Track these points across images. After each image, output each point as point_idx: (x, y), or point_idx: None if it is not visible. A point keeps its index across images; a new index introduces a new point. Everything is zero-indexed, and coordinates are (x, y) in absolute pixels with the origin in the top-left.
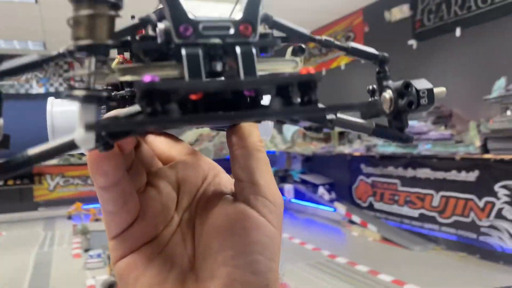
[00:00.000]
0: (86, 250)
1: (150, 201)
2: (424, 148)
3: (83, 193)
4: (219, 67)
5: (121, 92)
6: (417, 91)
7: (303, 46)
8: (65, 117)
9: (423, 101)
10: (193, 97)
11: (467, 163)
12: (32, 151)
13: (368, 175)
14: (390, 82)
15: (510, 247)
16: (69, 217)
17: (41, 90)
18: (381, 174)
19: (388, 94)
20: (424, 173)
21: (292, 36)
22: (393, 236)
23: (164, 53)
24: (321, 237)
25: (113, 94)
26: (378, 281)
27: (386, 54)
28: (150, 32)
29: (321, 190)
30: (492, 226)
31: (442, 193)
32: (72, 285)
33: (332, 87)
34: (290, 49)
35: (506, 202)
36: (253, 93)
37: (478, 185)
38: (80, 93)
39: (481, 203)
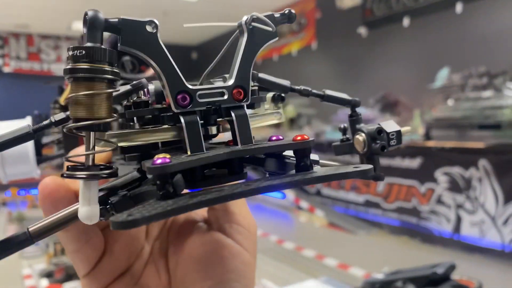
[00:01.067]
0: None
1: (116, 234)
2: None
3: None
4: (214, 130)
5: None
6: (387, 134)
7: (283, 95)
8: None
9: (393, 142)
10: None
11: (411, 150)
12: (33, 227)
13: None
14: (362, 125)
15: (446, 231)
16: (4, 204)
17: None
18: (329, 160)
19: (361, 136)
20: None
21: (274, 89)
22: (339, 221)
23: (156, 116)
24: (269, 223)
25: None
26: (324, 265)
27: (357, 99)
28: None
29: None
30: (432, 211)
31: (386, 179)
32: (6, 275)
33: (283, 73)
34: (270, 96)
35: (445, 188)
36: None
37: (420, 172)
38: (82, 174)
39: (422, 189)
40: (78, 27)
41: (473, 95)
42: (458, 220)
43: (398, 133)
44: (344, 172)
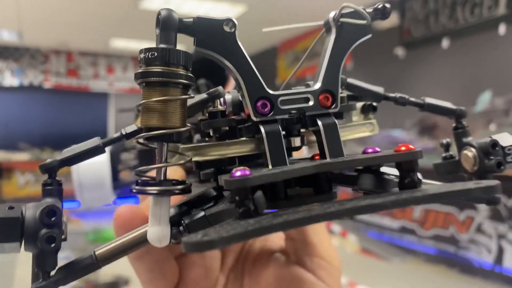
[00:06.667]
0: None
1: (191, 265)
2: None
3: None
4: (298, 142)
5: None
6: (503, 148)
7: (375, 104)
8: (92, 171)
9: (509, 158)
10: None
11: (449, 176)
12: (99, 250)
13: None
14: (471, 139)
15: (487, 262)
16: None
17: (15, 82)
18: None
19: (471, 152)
20: None
21: (365, 96)
22: (372, 247)
23: (233, 128)
24: None
25: (186, 185)
26: None
27: (463, 108)
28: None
29: None
30: (471, 241)
31: (421, 205)
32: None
33: None
34: (359, 106)
35: (486, 217)
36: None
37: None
38: (152, 190)
39: (461, 216)
40: (116, 44)
41: None
42: (500, 251)
43: None
44: (464, 189)
